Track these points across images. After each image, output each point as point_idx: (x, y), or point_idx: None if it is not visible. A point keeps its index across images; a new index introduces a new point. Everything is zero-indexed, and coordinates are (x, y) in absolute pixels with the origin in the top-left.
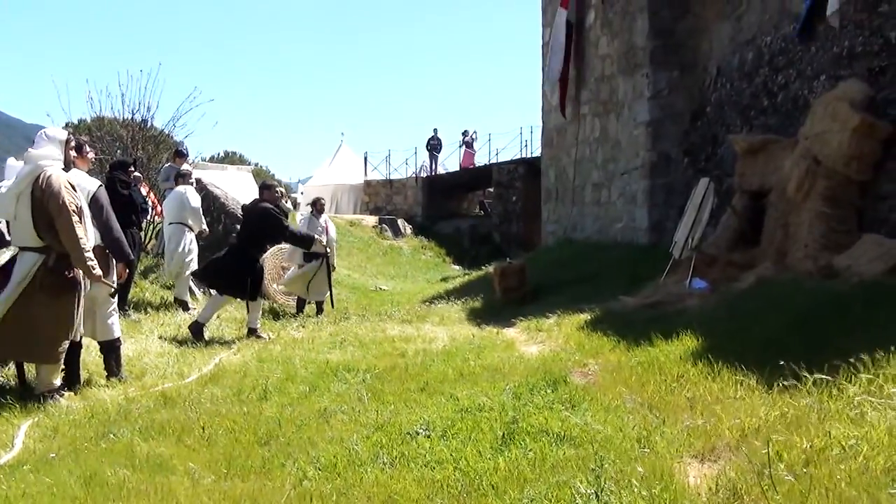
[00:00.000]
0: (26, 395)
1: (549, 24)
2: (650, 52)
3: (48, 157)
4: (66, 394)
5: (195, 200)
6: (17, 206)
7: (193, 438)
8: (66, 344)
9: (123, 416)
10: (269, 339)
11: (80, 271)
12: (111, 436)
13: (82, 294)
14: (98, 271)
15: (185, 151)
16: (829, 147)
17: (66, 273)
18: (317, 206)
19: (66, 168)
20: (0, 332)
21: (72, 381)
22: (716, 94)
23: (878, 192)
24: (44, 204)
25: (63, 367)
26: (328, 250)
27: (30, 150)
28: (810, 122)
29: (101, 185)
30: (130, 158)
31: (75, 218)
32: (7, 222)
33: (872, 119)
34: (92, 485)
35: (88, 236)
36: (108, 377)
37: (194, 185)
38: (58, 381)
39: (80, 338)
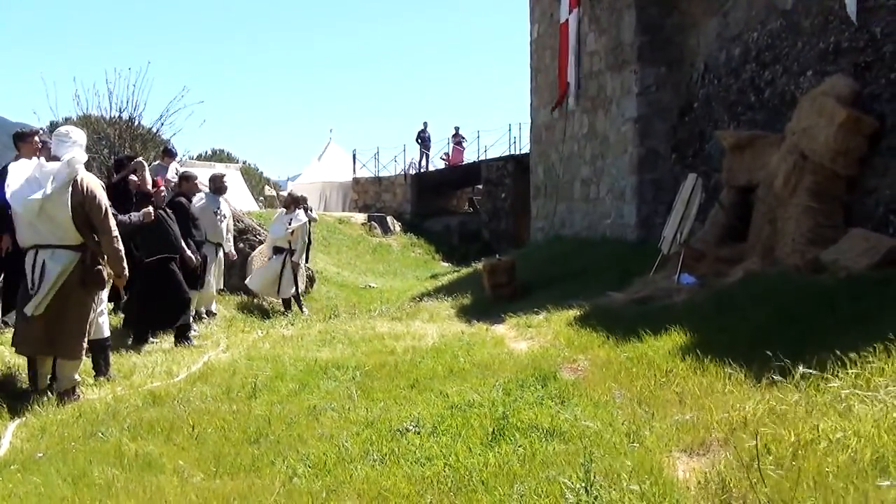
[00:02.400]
0: (19, 394)
1: (537, 21)
2: (638, 49)
3: (81, 162)
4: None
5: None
6: (46, 206)
7: (182, 437)
8: (86, 340)
9: (112, 416)
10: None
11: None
12: (99, 435)
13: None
14: (127, 271)
15: (173, 150)
16: (815, 142)
17: (101, 270)
18: (293, 203)
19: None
20: (33, 328)
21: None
22: (703, 90)
23: (865, 186)
24: (84, 207)
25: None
26: (290, 245)
27: (73, 154)
28: (797, 118)
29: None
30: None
31: (112, 220)
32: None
33: (858, 114)
34: (80, 484)
35: None
36: (95, 376)
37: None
38: (78, 377)
39: None
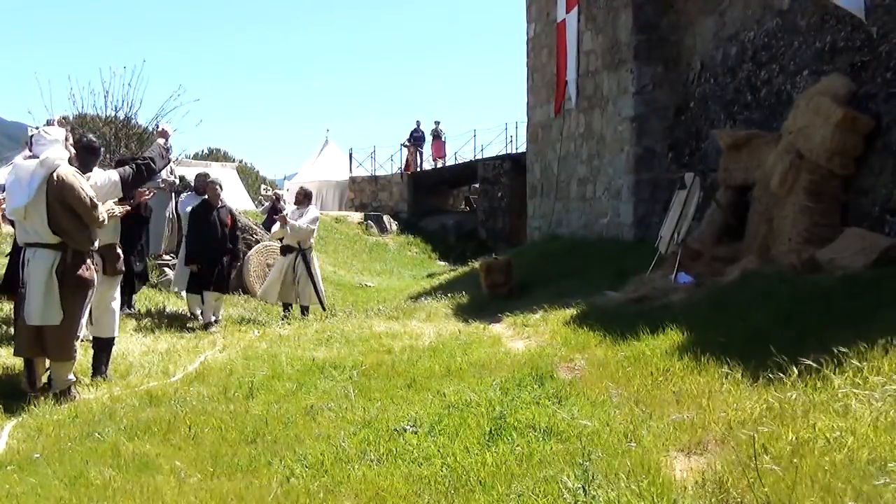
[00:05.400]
0: (16, 394)
1: (534, 20)
2: (634, 48)
3: (59, 158)
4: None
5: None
6: (29, 207)
7: (179, 437)
8: (78, 340)
9: (108, 416)
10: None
11: (93, 270)
12: (96, 435)
13: (92, 291)
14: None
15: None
16: (812, 141)
17: (85, 270)
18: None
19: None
20: (26, 329)
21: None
22: (700, 89)
23: (861, 186)
24: (64, 200)
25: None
26: (300, 245)
27: (48, 151)
28: (793, 117)
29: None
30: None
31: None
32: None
33: (855, 113)
34: (77, 485)
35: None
36: (93, 375)
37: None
38: (72, 377)
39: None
